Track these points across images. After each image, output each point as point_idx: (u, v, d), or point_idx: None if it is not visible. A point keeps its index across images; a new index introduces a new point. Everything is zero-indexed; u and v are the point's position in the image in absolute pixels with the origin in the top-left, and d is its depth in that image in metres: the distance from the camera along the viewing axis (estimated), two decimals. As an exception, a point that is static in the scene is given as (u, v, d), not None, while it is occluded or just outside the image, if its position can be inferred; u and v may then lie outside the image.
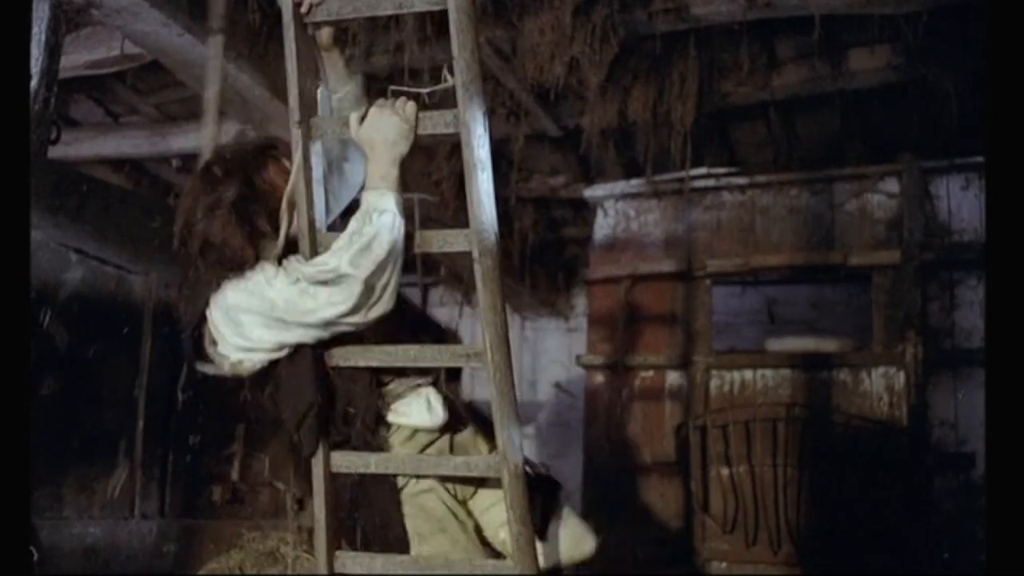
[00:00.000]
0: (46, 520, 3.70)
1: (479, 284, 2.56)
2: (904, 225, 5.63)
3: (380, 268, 2.48)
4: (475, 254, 2.56)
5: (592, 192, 6.54)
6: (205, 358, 2.67)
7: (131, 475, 4.13)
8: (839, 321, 7.49)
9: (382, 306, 2.54)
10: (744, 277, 5.91)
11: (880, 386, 5.31)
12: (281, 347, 2.55)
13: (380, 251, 2.48)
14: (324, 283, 2.49)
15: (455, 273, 8.76)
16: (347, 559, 2.72)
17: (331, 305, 2.50)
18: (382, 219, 2.49)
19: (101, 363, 4.03)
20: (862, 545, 5.05)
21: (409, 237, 2.56)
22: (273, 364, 2.59)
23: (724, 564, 5.40)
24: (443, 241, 2.61)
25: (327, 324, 2.52)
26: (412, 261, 5.01)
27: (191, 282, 2.65)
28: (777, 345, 6.01)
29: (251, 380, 2.65)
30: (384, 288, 2.52)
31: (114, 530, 3.93)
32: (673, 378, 5.71)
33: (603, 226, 6.36)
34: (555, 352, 9.37)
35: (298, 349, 2.58)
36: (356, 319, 2.52)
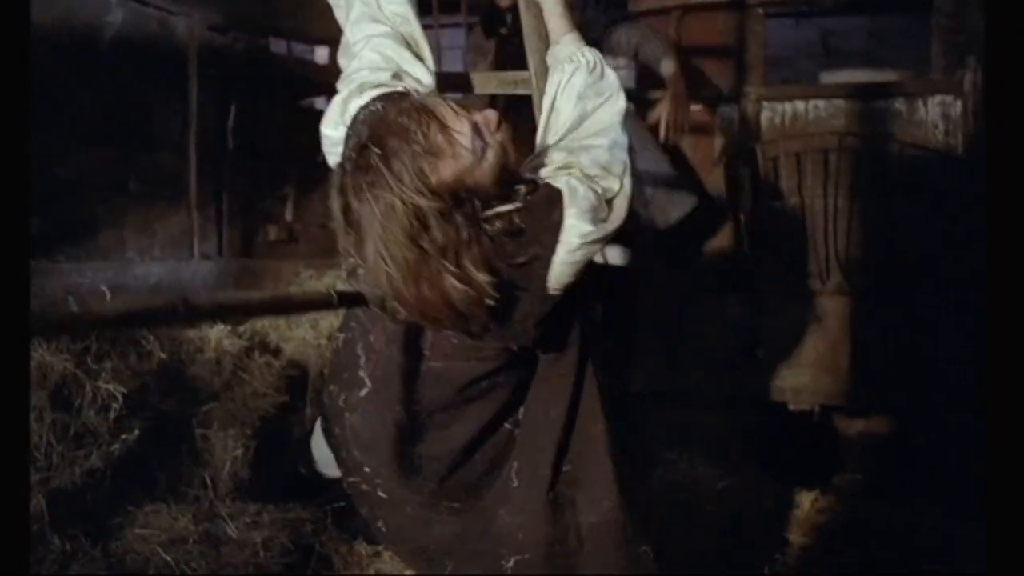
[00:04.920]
0: (111, 261, 3.84)
1: (522, 9, 2.52)
2: (968, -58, 5.34)
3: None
4: (516, -22, 2.51)
5: (640, -82, 6.24)
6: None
7: (188, 216, 4.24)
8: (898, 52, 7.27)
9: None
10: (798, 7, 5.69)
11: (936, 114, 5.18)
12: None
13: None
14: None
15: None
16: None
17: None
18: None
19: (149, 107, 4.06)
20: (911, 273, 5.08)
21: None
22: None
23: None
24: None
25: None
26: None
27: None
28: (831, 78, 5.86)
29: None
30: None
31: (176, 269, 4.07)
32: (724, 111, 5.61)
33: (652, -45, 6.10)
34: (604, 91, 9.22)
35: None
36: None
